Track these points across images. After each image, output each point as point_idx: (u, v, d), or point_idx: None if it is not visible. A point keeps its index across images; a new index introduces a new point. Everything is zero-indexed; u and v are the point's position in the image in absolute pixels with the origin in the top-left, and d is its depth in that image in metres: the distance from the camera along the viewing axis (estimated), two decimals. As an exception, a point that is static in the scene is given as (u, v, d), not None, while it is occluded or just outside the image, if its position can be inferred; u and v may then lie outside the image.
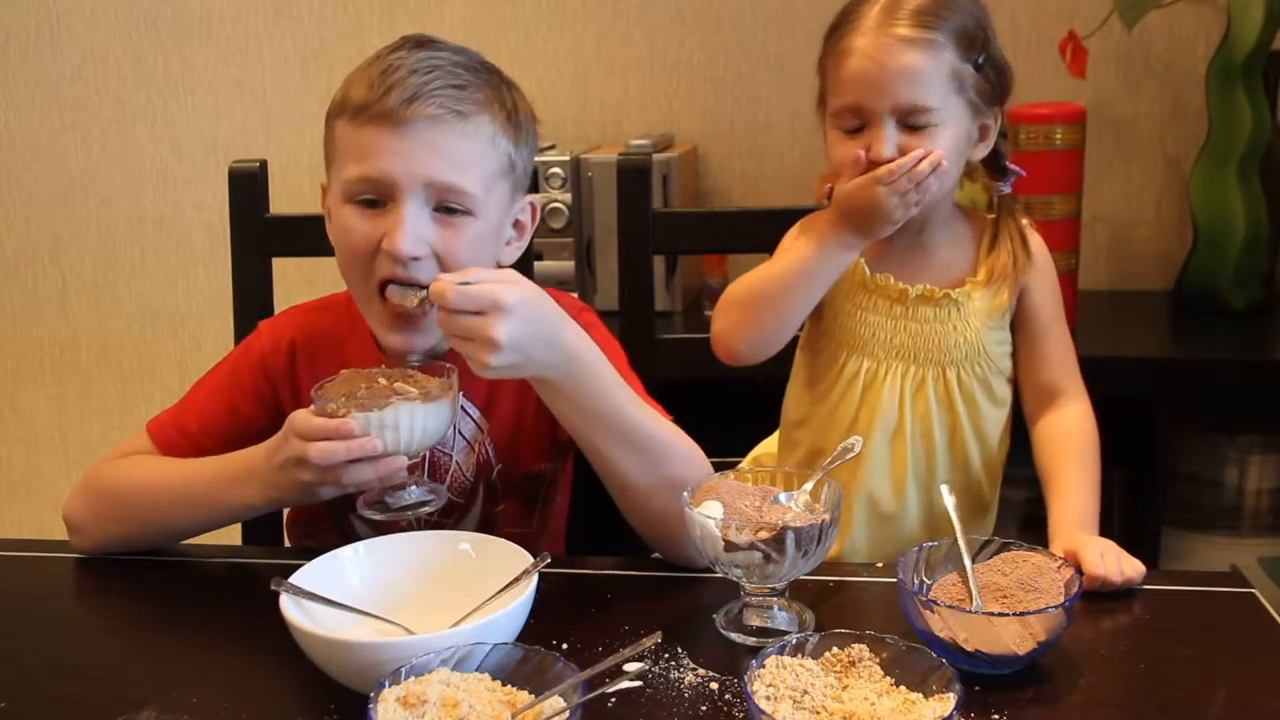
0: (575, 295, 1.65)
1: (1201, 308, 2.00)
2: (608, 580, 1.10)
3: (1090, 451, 1.27)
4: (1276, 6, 1.83)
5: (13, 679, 0.97)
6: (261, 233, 1.47)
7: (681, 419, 1.17)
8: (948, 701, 0.79)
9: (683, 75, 2.28)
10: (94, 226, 2.56)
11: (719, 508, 0.98)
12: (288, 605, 0.92)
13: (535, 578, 0.95)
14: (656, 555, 1.14)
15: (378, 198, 1.09)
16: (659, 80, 2.29)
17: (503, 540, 1.03)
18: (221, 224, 1.69)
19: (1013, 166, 1.31)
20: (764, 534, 0.94)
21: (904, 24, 1.18)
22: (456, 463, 1.22)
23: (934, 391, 1.28)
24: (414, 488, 1.08)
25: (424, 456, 1.18)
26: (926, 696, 0.82)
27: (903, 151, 1.19)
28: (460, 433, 1.21)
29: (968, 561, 0.97)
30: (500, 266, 1.17)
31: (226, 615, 1.08)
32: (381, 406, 1.02)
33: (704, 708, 0.88)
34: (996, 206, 1.32)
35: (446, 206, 1.10)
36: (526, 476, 1.25)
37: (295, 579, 0.96)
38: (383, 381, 1.06)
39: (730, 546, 0.94)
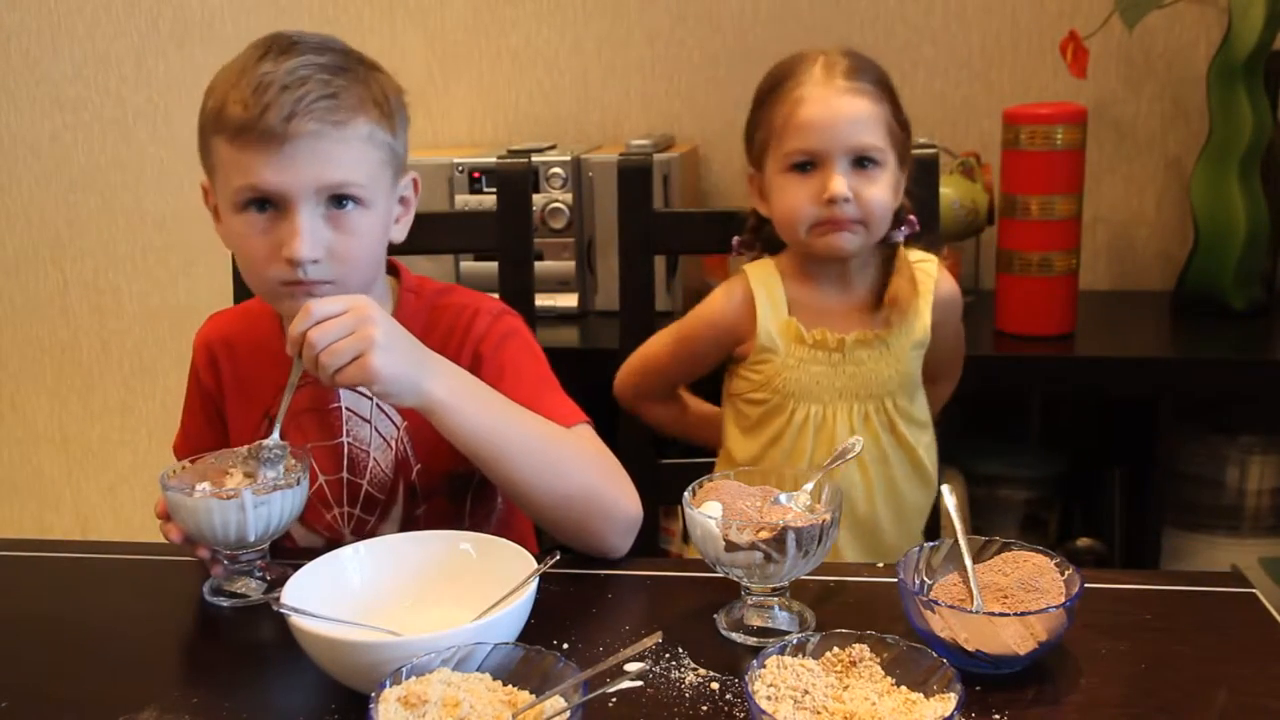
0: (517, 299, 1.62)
1: (1202, 308, 2.00)
2: (608, 580, 1.10)
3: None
4: (1277, 6, 1.83)
5: (13, 679, 0.97)
6: (262, 233, 1.47)
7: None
8: (948, 701, 0.79)
9: (683, 75, 2.28)
10: (94, 226, 2.56)
11: (719, 508, 0.98)
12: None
13: (536, 577, 0.95)
14: (659, 552, 1.14)
15: (270, 203, 1.12)
16: (659, 80, 2.29)
17: (504, 540, 1.03)
18: (222, 224, 1.69)
19: (910, 218, 1.41)
20: (764, 534, 0.94)
21: (845, 78, 1.32)
22: (374, 458, 1.24)
23: (878, 420, 1.39)
24: (251, 579, 1.11)
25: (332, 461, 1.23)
26: (927, 696, 0.82)
27: (854, 191, 1.29)
28: (377, 430, 1.24)
29: (969, 561, 0.97)
30: (392, 243, 1.21)
31: (226, 615, 1.08)
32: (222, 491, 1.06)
33: (705, 708, 0.88)
34: (891, 250, 1.41)
35: (339, 202, 1.12)
36: (449, 476, 1.25)
37: (296, 579, 0.96)
38: (231, 474, 1.10)
39: (731, 546, 0.94)
